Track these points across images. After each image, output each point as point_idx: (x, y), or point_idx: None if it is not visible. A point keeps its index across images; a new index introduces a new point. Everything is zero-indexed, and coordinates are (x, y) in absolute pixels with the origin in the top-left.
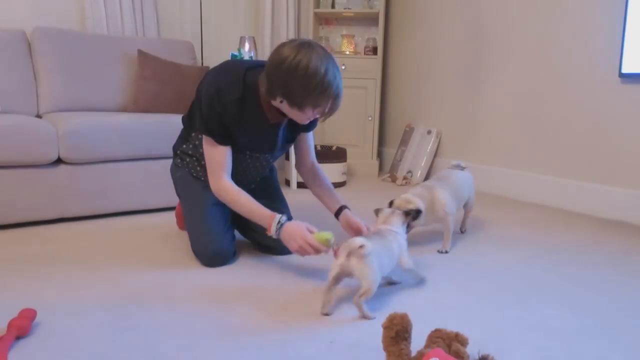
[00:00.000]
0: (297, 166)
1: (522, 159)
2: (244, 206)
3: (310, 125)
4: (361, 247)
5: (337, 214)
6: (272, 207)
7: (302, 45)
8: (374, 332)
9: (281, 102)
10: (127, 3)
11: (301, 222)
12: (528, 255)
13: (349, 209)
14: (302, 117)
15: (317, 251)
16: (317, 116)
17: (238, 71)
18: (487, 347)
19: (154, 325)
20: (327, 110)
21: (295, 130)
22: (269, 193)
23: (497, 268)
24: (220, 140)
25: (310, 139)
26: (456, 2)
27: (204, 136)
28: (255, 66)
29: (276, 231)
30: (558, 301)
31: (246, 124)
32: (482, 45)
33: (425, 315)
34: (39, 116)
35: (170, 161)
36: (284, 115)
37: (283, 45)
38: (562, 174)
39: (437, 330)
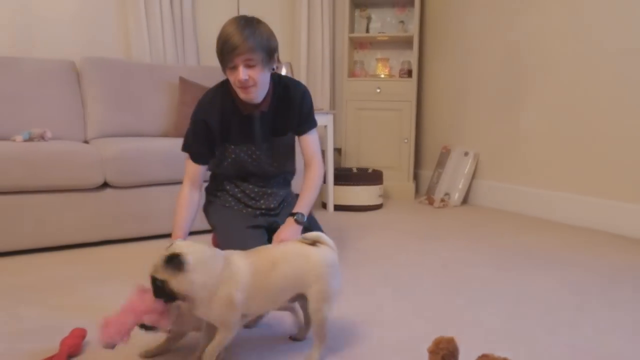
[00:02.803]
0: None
1: (562, 180)
2: (174, 216)
3: (299, 126)
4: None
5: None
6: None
7: (236, 16)
8: (419, 357)
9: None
10: (169, 32)
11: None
12: (575, 280)
13: (296, 217)
14: (233, 84)
15: None
16: (237, 80)
17: (218, 83)
18: None
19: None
20: (235, 66)
21: (280, 126)
22: (292, 207)
23: (544, 293)
24: (194, 157)
25: (309, 141)
26: (492, 23)
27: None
28: None
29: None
30: (610, 327)
31: (225, 119)
32: (519, 66)
33: (469, 340)
34: (86, 142)
35: None
36: (255, 106)
37: None
38: (604, 195)
39: (484, 356)
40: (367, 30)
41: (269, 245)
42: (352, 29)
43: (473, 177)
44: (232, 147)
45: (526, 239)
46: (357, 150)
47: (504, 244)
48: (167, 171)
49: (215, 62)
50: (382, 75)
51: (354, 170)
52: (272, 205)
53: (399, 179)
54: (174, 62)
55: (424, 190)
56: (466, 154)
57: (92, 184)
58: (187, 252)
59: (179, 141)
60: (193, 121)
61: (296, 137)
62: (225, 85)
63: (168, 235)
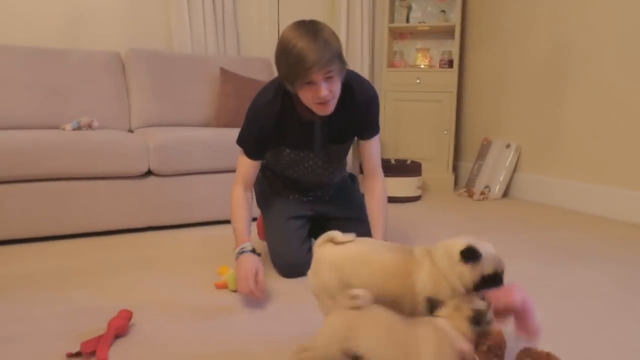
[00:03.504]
0: (362, 170)
1: (606, 173)
2: (234, 219)
3: (366, 131)
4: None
5: None
6: (352, 216)
7: (295, 22)
8: None
9: (289, 88)
10: (211, 24)
11: (257, 261)
12: (620, 275)
13: None
14: (305, 101)
15: (257, 297)
16: (315, 96)
17: (275, 80)
18: None
19: (238, 329)
20: (314, 84)
21: (343, 133)
22: (349, 202)
23: (588, 288)
24: (248, 153)
25: (371, 148)
26: (536, 13)
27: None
28: None
29: (235, 255)
30: None
31: (282, 124)
32: (564, 57)
33: (511, 334)
34: (130, 131)
35: None
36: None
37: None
38: None
39: (526, 350)
40: (407, 20)
41: None
42: (392, 19)
43: (514, 169)
44: (288, 150)
45: (568, 232)
46: (395, 141)
47: (545, 237)
48: (208, 160)
49: (255, 52)
50: (422, 66)
51: (392, 161)
52: (320, 194)
53: (438, 170)
54: (215, 53)
55: (464, 183)
56: (508, 146)
57: (136, 171)
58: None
59: (220, 131)
60: (248, 120)
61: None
62: (285, 93)
63: (208, 223)
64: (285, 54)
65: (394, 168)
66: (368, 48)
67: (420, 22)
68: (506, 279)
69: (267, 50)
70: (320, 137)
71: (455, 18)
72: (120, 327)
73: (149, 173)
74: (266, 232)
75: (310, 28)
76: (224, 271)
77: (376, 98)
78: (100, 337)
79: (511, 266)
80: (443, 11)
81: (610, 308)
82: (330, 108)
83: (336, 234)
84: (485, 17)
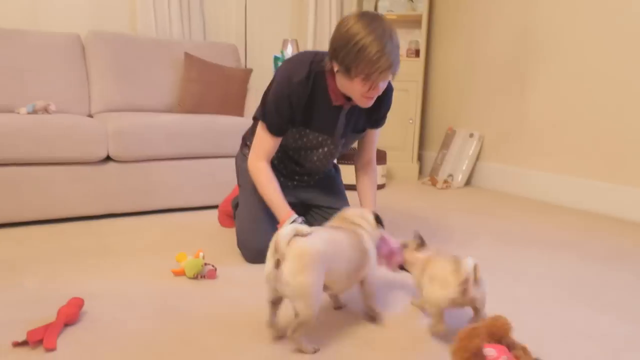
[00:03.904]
0: (355, 159)
1: (567, 163)
2: (270, 193)
3: (379, 121)
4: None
5: None
6: (336, 205)
7: (365, 15)
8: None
9: (337, 70)
10: (176, 7)
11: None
12: (573, 262)
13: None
14: (352, 89)
15: None
16: (367, 91)
17: (307, 56)
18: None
19: (197, 317)
20: (374, 82)
21: (361, 122)
22: (333, 191)
23: (540, 273)
24: (274, 130)
25: (375, 136)
26: (502, 5)
27: (260, 122)
28: (324, 52)
29: None
30: (605, 308)
31: (311, 103)
32: (529, 48)
33: (462, 316)
34: (90, 116)
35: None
36: (347, 99)
37: (348, 15)
38: (610, 179)
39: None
40: (376, 9)
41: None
42: (360, 7)
43: (477, 159)
44: (308, 131)
45: (526, 220)
46: None
47: (504, 224)
48: (170, 146)
49: (221, 38)
50: None
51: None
52: (307, 179)
53: (403, 159)
54: (180, 37)
55: (428, 172)
56: (471, 135)
57: (95, 157)
58: None
59: (183, 117)
60: (278, 94)
61: None
62: (322, 67)
63: (171, 210)
64: (355, 46)
65: (358, 160)
66: None
67: (388, 11)
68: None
69: (234, 36)
70: (343, 124)
71: (422, 8)
72: (70, 315)
73: (108, 159)
74: (240, 212)
75: (384, 28)
76: (182, 258)
77: (392, 90)
78: (48, 325)
79: (471, 251)
80: (411, 0)
81: (561, 293)
82: (372, 102)
83: (302, 228)
84: (453, 7)
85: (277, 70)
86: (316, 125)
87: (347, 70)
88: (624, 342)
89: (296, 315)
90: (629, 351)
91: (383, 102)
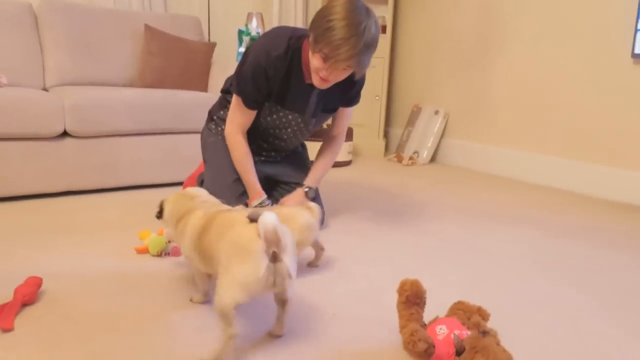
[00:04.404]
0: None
1: (530, 140)
2: (242, 169)
3: (351, 100)
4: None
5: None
6: (302, 182)
7: (356, 3)
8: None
9: (310, 39)
10: None
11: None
12: (533, 236)
13: (308, 193)
14: (312, 64)
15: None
16: (323, 71)
17: (285, 31)
18: (489, 324)
19: (158, 293)
20: (331, 66)
21: (333, 102)
22: (300, 167)
23: (502, 247)
24: (249, 103)
25: (346, 113)
26: None
27: (234, 95)
28: (302, 29)
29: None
30: (562, 281)
31: (287, 79)
32: (493, 26)
33: (434, 291)
34: (45, 89)
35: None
36: None
37: None
38: (571, 155)
39: (459, 302)
40: None
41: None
42: None
43: (442, 135)
44: (280, 108)
45: (490, 196)
46: None
47: (467, 200)
48: (130, 121)
49: (183, 10)
50: None
51: (325, 126)
52: (274, 154)
53: (369, 136)
54: (140, 8)
55: (394, 149)
56: (436, 112)
57: (51, 132)
58: None
59: (144, 91)
60: (254, 66)
61: None
62: (299, 44)
63: (131, 188)
64: (327, 23)
65: (324, 132)
66: (302, 9)
67: None
68: (433, 238)
69: (196, 9)
70: (314, 103)
71: None
72: (28, 295)
73: (65, 134)
74: (206, 186)
75: (365, 25)
76: (145, 235)
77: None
78: (4, 305)
79: (434, 226)
80: None
81: (521, 266)
82: (325, 87)
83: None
84: None
85: (253, 44)
86: (289, 104)
87: (314, 42)
88: (580, 310)
89: (285, 303)
90: (584, 319)
91: (353, 82)
